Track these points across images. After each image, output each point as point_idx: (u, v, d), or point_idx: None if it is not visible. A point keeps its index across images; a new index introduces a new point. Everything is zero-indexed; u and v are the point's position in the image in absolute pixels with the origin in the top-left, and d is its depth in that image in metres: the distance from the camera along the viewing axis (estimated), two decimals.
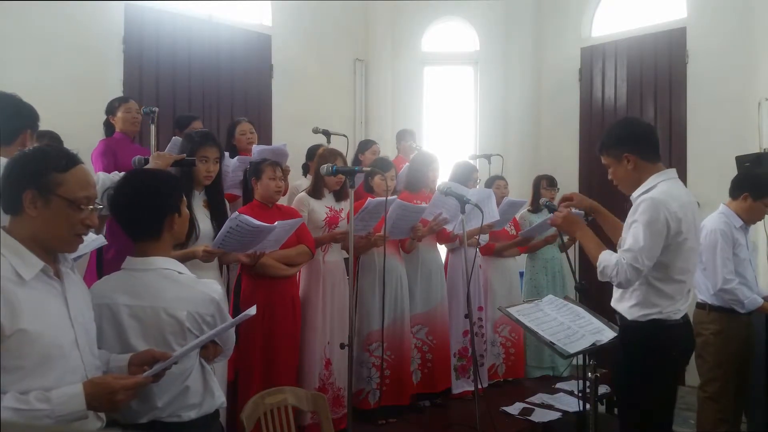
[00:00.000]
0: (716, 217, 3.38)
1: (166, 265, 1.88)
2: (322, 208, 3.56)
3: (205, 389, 1.90)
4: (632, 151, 2.44)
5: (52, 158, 1.56)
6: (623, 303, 2.51)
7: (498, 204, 4.14)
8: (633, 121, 2.61)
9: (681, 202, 2.37)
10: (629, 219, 2.43)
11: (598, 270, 2.45)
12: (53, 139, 3.41)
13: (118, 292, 1.83)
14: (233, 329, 1.99)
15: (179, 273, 1.89)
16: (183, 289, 1.85)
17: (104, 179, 2.47)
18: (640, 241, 2.31)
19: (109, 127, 3.99)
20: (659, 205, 2.32)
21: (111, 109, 3.97)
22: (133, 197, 1.88)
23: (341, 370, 3.55)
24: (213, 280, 2.00)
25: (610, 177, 2.56)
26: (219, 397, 1.96)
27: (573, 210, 2.67)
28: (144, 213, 1.88)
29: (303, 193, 3.62)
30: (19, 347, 1.45)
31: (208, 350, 1.94)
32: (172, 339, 1.79)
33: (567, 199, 2.69)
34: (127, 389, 1.55)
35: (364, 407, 3.69)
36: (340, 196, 3.65)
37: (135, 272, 1.86)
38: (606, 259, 2.41)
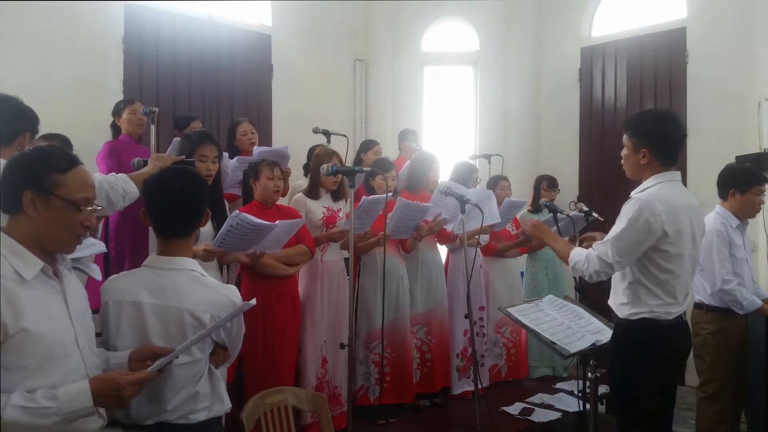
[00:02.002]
0: (712, 218, 3.38)
1: (192, 266, 1.88)
2: (319, 207, 3.56)
3: (213, 393, 1.90)
4: (652, 150, 2.45)
5: (52, 159, 1.57)
6: (615, 300, 2.54)
7: (500, 204, 4.15)
8: (670, 124, 2.49)
9: (671, 204, 2.38)
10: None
11: (570, 266, 2.52)
12: (62, 142, 3.40)
13: (141, 290, 1.81)
14: (241, 337, 1.99)
15: (203, 275, 1.89)
16: (209, 292, 1.84)
17: (101, 180, 2.46)
18: (615, 236, 2.38)
19: (116, 129, 4.00)
20: (643, 206, 2.35)
21: (117, 110, 3.99)
22: (183, 194, 1.87)
23: (337, 369, 3.56)
24: (233, 286, 2.00)
25: (621, 154, 2.58)
26: (227, 402, 1.96)
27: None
28: (189, 210, 1.88)
29: (300, 194, 3.63)
30: (22, 347, 1.45)
31: (218, 356, 1.93)
32: None
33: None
34: (134, 384, 1.56)
35: (364, 403, 3.69)
36: (337, 195, 3.66)
37: (162, 271, 1.84)
38: (577, 254, 2.50)
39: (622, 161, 2.58)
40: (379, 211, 3.49)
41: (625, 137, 2.55)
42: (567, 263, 2.56)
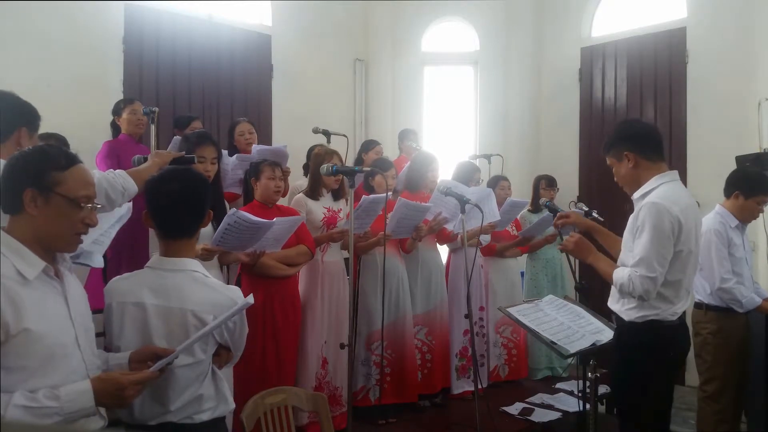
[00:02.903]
0: (712, 217, 3.39)
1: (195, 267, 1.87)
2: (319, 208, 3.56)
3: (217, 394, 1.89)
4: (632, 149, 2.45)
5: (52, 157, 1.57)
6: (620, 305, 2.50)
7: (501, 205, 4.14)
8: (632, 121, 2.62)
9: (682, 205, 2.37)
10: (632, 224, 2.43)
11: (617, 289, 2.43)
12: (59, 141, 3.40)
13: (144, 291, 1.81)
14: (244, 337, 1.99)
15: (206, 276, 1.88)
16: (211, 293, 1.84)
17: (99, 178, 2.45)
18: (648, 249, 2.31)
19: (116, 128, 3.99)
20: (662, 209, 2.31)
21: (117, 110, 3.98)
22: (185, 194, 1.87)
23: (337, 369, 3.56)
24: (236, 286, 2.00)
25: (615, 179, 2.56)
26: (231, 403, 1.96)
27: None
28: (191, 210, 1.88)
29: (300, 194, 3.62)
30: (23, 347, 1.45)
31: (221, 356, 1.93)
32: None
33: (563, 217, 2.70)
34: (135, 384, 1.56)
35: (365, 404, 3.69)
36: (338, 195, 3.65)
37: (165, 272, 1.84)
38: (620, 276, 2.39)
39: (619, 183, 2.55)
40: (378, 211, 3.48)
41: (607, 159, 2.55)
42: (611, 283, 2.46)
